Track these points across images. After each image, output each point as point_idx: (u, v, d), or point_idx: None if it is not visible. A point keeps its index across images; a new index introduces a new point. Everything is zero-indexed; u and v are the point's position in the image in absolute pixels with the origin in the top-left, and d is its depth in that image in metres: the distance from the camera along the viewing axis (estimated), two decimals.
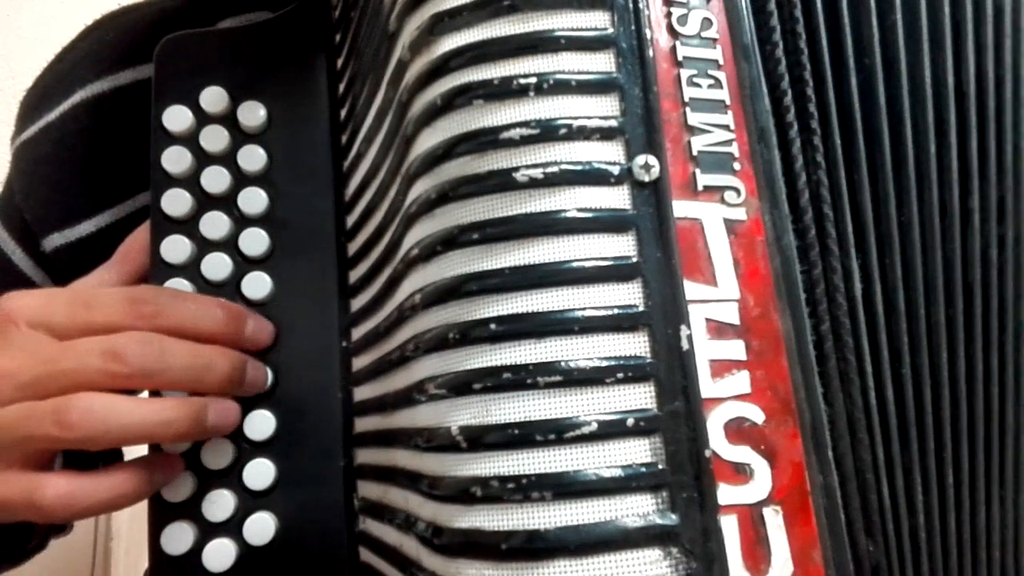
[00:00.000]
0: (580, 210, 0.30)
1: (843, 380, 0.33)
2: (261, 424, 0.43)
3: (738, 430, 0.30)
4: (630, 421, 0.28)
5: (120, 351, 0.36)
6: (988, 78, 0.38)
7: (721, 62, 0.33)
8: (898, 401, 0.34)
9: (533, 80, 0.30)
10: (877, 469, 0.33)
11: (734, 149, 0.32)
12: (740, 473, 0.29)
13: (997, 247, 0.37)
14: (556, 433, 0.28)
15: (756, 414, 0.30)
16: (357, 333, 0.43)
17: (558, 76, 0.30)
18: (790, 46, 0.35)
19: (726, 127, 0.32)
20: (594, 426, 0.28)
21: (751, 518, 0.29)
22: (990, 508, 0.37)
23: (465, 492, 0.29)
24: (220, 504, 0.42)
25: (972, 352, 0.36)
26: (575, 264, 0.29)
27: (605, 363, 0.29)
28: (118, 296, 0.39)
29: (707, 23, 0.33)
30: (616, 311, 0.29)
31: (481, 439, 0.29)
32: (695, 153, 0.31)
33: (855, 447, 0.32)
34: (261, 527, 0.42)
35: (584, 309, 0.29)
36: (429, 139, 0.32)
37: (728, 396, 0.30)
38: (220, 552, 0.41)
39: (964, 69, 0.38)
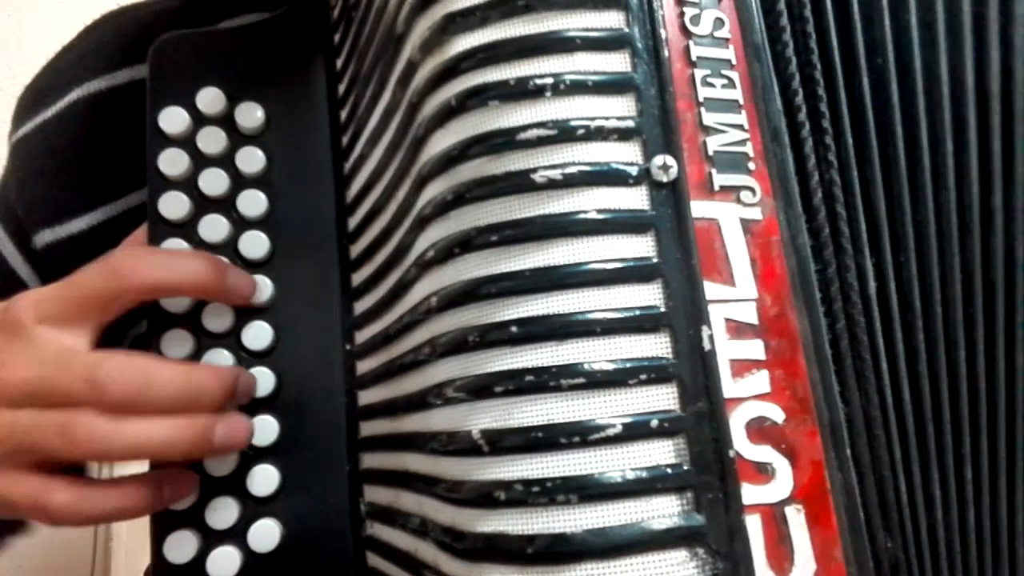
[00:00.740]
0: (599, 211, 0.30)
1: (859, 378, 0.33)
2: (264, 430, 0.42)
3: (759, 430, 0.30)
4: (654, 422, 0.28)
5: (100, 381, 0.35)
6: (1017, 78, 0.38)
7: (734, 62, 0.33)
8: (914, 398, 0.34)
9: (549, 80, 0.30)
10: (894, 466, 0.33)
11: (748, 149, 0.32)
12: (762, 472, 0.29)
13: (1021, 245, 0.37)
14: (580, 435, 0.28)
15: (776, 413, 0.30)
16: (362, 336, 0.43)
17: (574, 76, 0.30)
18: (800, 46, 0.35)
19: (740, 127, 0.32)
20: (618, 428, 0.28)
21: (774, 517, 0.29)
22: (1013, 504, 0.37)
23: (488, 496, 0.29)
24: (224, 511, 0.42)
25: (994, 349, 0.37)
26: (595, 265, 0.29)
27: (628, 364, 0.29)
28: (96, 265, 0.39)
29: (719, 23, 0.33)
30: (637, 312, 0.29)
31: (503, 442, 0.29)
32: (711, 153, 0.31)
33: (872, 444, 0.32)
34: (266, 534, 0.41)
35: (605, 310, 0.29)
36: (443, 140, 0.32)
37: (748, 396, 0.30)
38: (224, 560, 0.41)
39: (987, 69, 0.37)
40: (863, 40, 0.36)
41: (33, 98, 0.53)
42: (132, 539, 0.98)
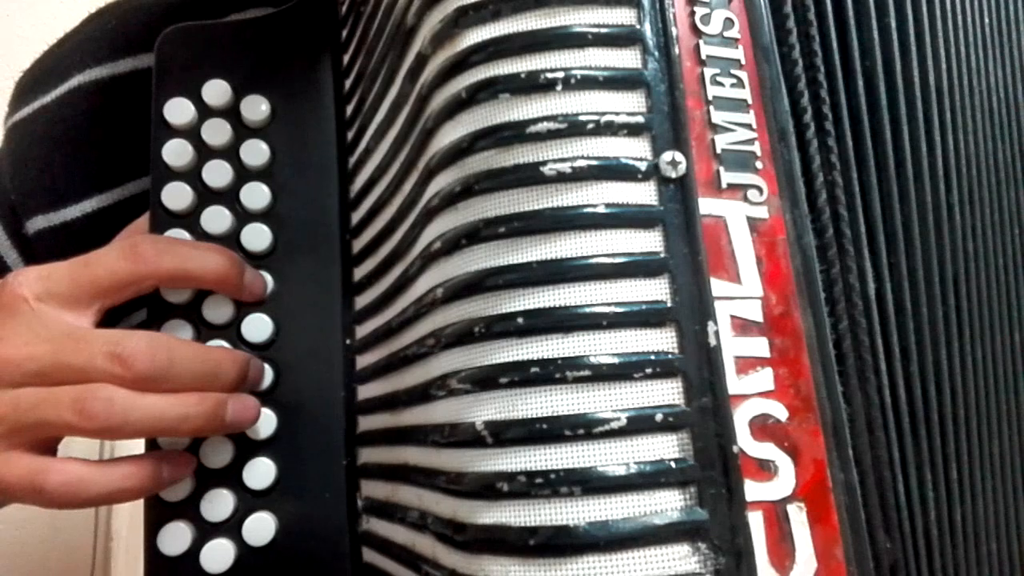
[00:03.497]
0: (607, 205, 0.30)
1: (861, 378, 0.33)
2: (262, 422, 0.42)
3: (762, 427, 0.30)
4: (658, 416, 0.28)
5: (126, 356, 0.35)
6: (959, 75, 0.39)
7: (743, 62, 0.33)
8: (909, 399, 0.35)
9: (560, 75, 0.30)
10: (893, 467, 0.33)
11: (756, 148, 0.32)
12: (765, 470, 0.29)
13: (972, 238, 0.39)
14: (584, 428, 0.28)
15: (780, 411, 0.30)
16: (362, 331, 0.43)
17: (585, 71, 0.30)
18: (804, 48, 0.35)
19: (748, 126, 0.32)
20: (623, 421, 0.28)
21: (776, 515, 0.29)
22: (985, 501, 0.37)
23: (490, 487, 0.29)
24: (219, 503, 0.41)
25: (963, 347, 0.37)
26: (602, 259, 0.29)
27: (633, 358, 0.29)
28: (116, 247, 0.39)
29: (729, 23, 0.33)
30: (644, 307, 0.29)
31: (507, 434, 0.29)
32: (719, 151, 0.31)
33: (873, 445, 0.33)
34: (261, 527, 0.41)
35: (611, 304, 0.29)
36: (452, 133, 0.32)
37: (752, 393, 0.30)
38: (219, 553, 0.41)
39: (938, 67, 0.39)
40: (857, 42, 0.36)
41: (32, 82, 0.53)
42: (132, 538, 0.98)
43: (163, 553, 0.40)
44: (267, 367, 0.43)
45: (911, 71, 0.38)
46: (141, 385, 0.35)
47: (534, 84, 0.30)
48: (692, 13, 0.33)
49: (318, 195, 0.45)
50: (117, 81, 0.51)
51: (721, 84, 0.32)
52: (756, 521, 0.29)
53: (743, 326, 0.30)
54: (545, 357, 0.29)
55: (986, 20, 0.42)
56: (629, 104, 0.31)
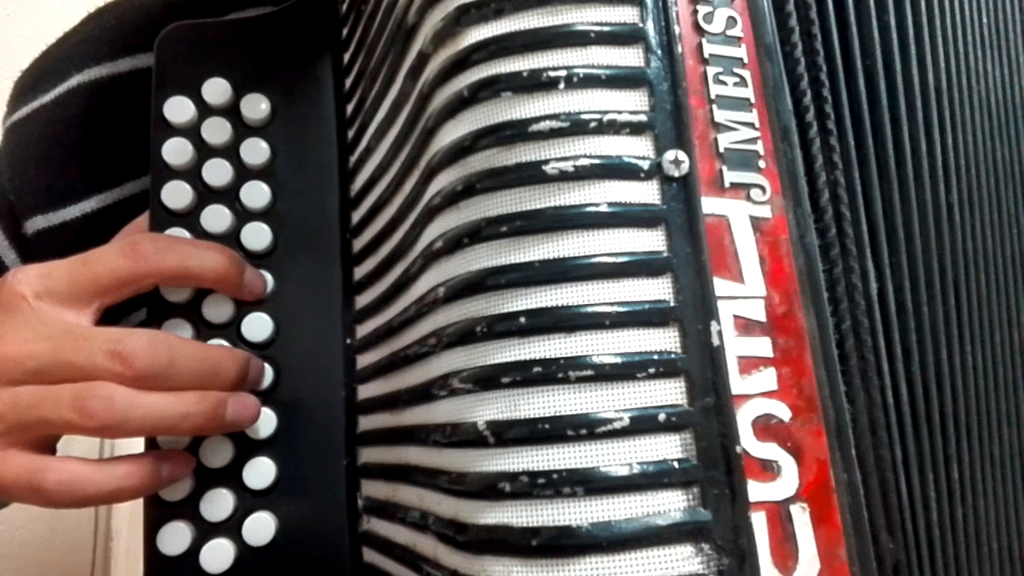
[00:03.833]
0: (610, 204, 0.29)
1: (863, 378, 0.33)
2: (262, 422, 0.42)
3: (765, 427, 0.30)
4: (661, 416, 0.28)
5: (127, 354, 0.35)
6: (958, 75, 0.39)
7: (746, 60, 0.33)
8: (911, 399, 0.35)
9: (562, 73, 0.30)
10: (895, 467, 0.33)
11: (759, 147, 0.32)
12: (768, 470, 0.29)
13: (972, 238, 0.39)
14: (587, 428, 0.28)
15: (783, 411, 0.30)
16: (363, 330, 0.43)
17: (587, 69, 0.30)
18: (806, 47, 0.35)
19: (751, 125, 0.32)
20: (625, 421, 0.28)
21: (779, 515, 0.29)
22: (986, 501, 0.37)
23: (492, 487, 0.29)
24: (219, 503, 0.41)
25: (963, 346, 0.37)
26: (605, 258, 0.29)
27: (636, 358, 0.28)
28: (115, 246, 0.39)
29: (732, 22, 0.33)
30: (646, 306, 0.29)
31: (509, 434, 0.29)
32: (721, 150, 0.31)
33: (875, 445, 0.32)
34: (261, 527, 0.41)
35: (614, 303, 0.29)
36: (453, 131, 0.32)
37: (755, 393, 0.30)
38: (218, 552, 0.40)
39: (938, 67, 0.39)
40: (858, 42, 0.36)
41: (31, 82, 0.53)
42: (132, 538, 0.98)
43: (163, 553, 0.40)
44: (267, 366, 0.43)
45: (911, 70, 0.38)
46: (141, 383, 0.35)
47: (536, 83, 0.30)
48: (695, 12, 0.32)
49: (318, 194, 0.45)
50: (116, 81, 0.51)
51: (724, 83, 0.32)
52: (759, 522, 0.29)
53: (746, 326, 0.30)
54: (547, 357, 0.29)
55: (985, 20, 0.42)
56: (632, 103, 0.30)
